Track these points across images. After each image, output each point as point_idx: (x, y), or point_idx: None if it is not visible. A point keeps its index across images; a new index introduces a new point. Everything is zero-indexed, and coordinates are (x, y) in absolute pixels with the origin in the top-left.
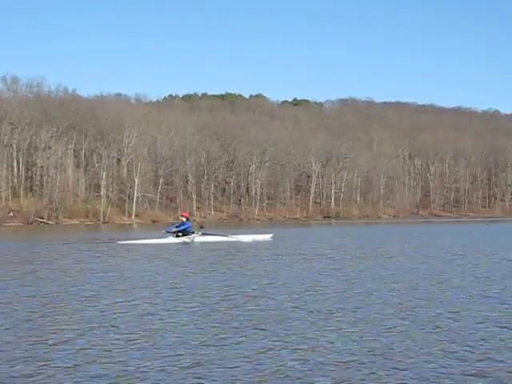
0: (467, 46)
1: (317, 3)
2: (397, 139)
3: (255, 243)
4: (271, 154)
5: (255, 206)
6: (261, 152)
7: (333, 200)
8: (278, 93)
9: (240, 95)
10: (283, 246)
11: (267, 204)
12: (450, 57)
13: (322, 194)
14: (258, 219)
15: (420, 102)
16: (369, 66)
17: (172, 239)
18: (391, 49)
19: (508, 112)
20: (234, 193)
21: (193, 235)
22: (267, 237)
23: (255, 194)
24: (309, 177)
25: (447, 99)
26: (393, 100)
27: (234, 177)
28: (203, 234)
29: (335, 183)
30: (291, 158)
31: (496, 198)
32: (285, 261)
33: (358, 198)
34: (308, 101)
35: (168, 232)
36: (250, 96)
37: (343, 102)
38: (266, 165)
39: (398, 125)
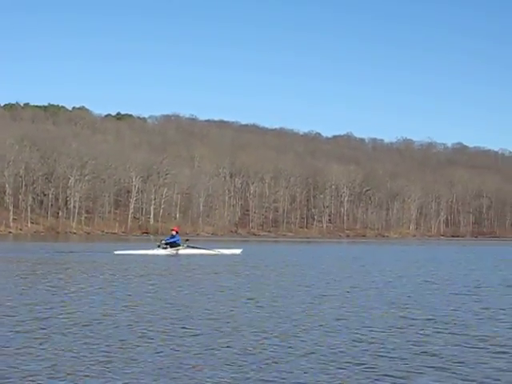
0: (297, 64)
1: (135, 23)
2: (218, 157)
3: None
4: (91, 168)
5: (73, 220)
6: (81, 165)
7: (152, 216)
8: (101, 106)
9: (63, 107)
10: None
11: (85, 218)
12: (275, 76)
13: (142, 209)
14: (75, 233)
15: (243, 122)
16: (194, 82)
17: (160, 251)
18: (217, 65)
19: (329, 135)
20: (52, 205)
21: (180, 247)
22: (238, 251)
23: (74, 207)
24: (129, 192)
25: (270, 120)
26: (216, 118)
27: (53, 189)
28: (188, 247)
29: (155, 199)
30: (111, 173)
31: (314, 219)
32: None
33: (178, 215)
34: (131, 115)
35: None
36: (73, 108)
37: (166, 118)
38: (86, 178)
39: (220, 143)
